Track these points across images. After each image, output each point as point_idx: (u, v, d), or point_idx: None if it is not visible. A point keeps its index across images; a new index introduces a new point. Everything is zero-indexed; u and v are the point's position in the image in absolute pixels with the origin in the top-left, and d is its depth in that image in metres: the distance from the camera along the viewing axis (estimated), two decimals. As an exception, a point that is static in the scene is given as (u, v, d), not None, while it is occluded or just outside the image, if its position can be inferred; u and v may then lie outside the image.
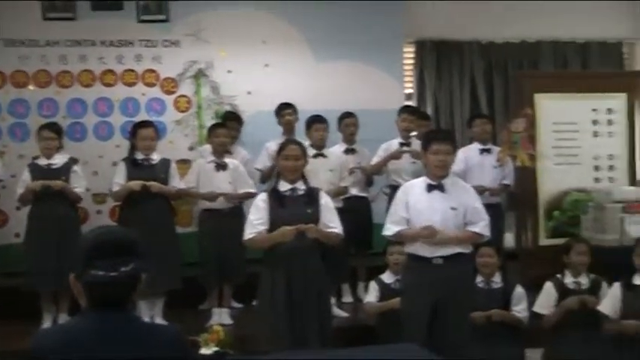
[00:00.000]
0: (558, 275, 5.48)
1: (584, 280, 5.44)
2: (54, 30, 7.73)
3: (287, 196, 4.94)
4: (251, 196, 6.29)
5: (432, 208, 4.83)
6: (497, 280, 5.49)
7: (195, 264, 6.69)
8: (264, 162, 7.02)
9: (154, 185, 6.28)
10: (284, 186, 4.98)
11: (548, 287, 5.47)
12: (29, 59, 7.73)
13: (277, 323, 4.83)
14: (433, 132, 5.79)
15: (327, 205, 4.99)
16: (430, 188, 4.88)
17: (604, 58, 9.20)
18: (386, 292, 5.69)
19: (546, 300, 5.45)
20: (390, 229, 4.95)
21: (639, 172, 7.04)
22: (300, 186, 4.98)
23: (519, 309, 5.42)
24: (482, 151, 6.97)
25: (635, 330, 4.78)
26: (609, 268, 5.54)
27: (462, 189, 4.98)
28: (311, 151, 6.45)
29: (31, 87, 7.75)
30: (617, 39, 9.31)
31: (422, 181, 4.97)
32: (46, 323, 6.34)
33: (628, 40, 9.39)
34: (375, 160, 7.04)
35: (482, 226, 4.87)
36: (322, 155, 6.63)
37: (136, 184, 6.25)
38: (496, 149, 7.00)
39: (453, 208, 4.83)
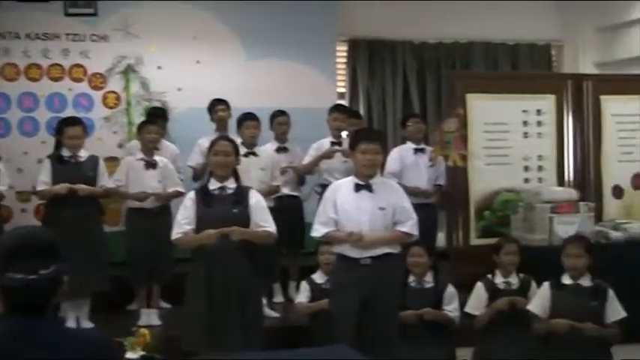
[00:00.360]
0: (489, 275, 5.51)
1: (514, 280, 5.48)
2: (-24, 22, 7.49)
3: (215, 195, 4.86)
4: (179, 195, 6.22)
5: (360, 208, 4.81)
6: (429, 280, 5.49)
7: (122, 263, 6.53)
8: (196, 159, 6.93)
9: (82, 189, 6.08)
10: (213, 184, 4.90)
11: (479, 288, 5.50)
12: (-49, 52, 7.47)
13: (197, 324, 4.78)
14: (361, 131, 5.75)
15: (259, 204, 4.91)
16: (358, 188, 4.85)
17: (533, 59, 9.36)
18: (317, 292, 5.64)
19: (477, 300, 5.48)
20: (318, 231, 4.91)
21: (567, 173, 7.13)
22: (230, 184, 4.89)
23: (451, 308, 5.43)
24: (417, 150, 6.99)
25: (564, 329, 4.83)
26: (538, 268, 5.59)
27: (390, 188, 4.97)
28: (242, 150, 6.37)
29: (-48, 81, 7.49)
30: (545, 41, 9.47)
31: (350, 181, 4.94)
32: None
33: (556, 43, 9.55)
34: (306, 159, 6.98)
35: (410, 225, 4.85)
36: (253, 154, 6.54)
37: (62, 188, 6.04)
38: (430, 149, 7.03)
39: (381, 208, 4.81)
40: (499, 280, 5.48)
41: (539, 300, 5.09)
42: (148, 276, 6.45)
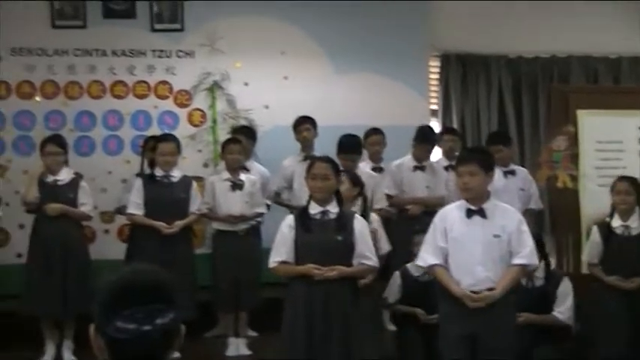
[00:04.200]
0: (607, 218, 5.25)
1: (635, 224, 5.27)
2: (63, 38, 7.35)
3: (316, 220, 4.47)
4: (260, 216, 6.22)
5: (473, 237, 4.35)
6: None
7: (204, 288, 6.24)
8: (279, 182, 6.64)
9: (178, 225, 5.90)
10: (314, 208, 4.49)
11: (594, 232, 5.40)
12: (36, 69, 7.34)
13: (294, 355, 4.40)
14: (460, 151, 5.37)
15: (363, 232, 4.51)
16: (470, 214, 4.40)
17: (638, 74, 8.80)
18: (411, 283, 5.34)
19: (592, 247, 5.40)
20: (424, 260, 4.48)
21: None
22: (333, 209, 4.49)
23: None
24: (507, 173, 6.47)
25: None
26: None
27: (505, 212, 4.48)
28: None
29: (37, 98, 7.35)
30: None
31: (460, 206, 4.48)
32: (49, 351, 5.93)
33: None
34: (387, 179, 6.62)
35: (527, 254, 4.37)
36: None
37: (160, 226, 5.85)
38: (521, 171, 6.53)
39: (496, 236, 4.34)
40: (616, 223, 5.06)
41: None
42: (234, 303, 6.14)
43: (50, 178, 5.99)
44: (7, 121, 7.28)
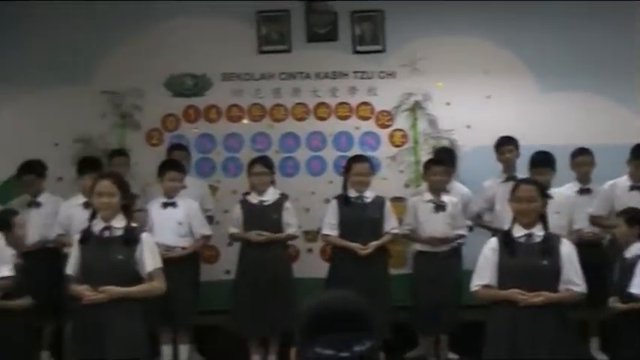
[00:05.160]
0: None
1: None
2: (269, 63, 7.60)
3: (521, 243, 4.34)
4: (462, 238, 6.19)
5: None
6: None
7: (405, 308, 6.24)
8: (480, 204, 6.53)
9: (371, 245, 5.95)
10: (519, 231, 4.37)
11: None
12: (244, 93, 7.63)
13: None
14: None
15: (571, 257, 4.33)
16: None
17: None
18: None
19: None
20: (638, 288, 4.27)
21: None
22: (538, 232, 4.35)
23: None
24: None
25: None
26: None
27: None
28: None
29: (245, 121, 7.64)
30: None
31: None
32: (255, 368, 6.13)
33: None
34: (598, 203, 6.29)
35: None
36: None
37: (356, 247, 5.94)
38: None
39: None
40: None
41: None
42: (435, 324, 6.10)
43: (256, 199, 6.20)
44: (217, 143, 7.62)
